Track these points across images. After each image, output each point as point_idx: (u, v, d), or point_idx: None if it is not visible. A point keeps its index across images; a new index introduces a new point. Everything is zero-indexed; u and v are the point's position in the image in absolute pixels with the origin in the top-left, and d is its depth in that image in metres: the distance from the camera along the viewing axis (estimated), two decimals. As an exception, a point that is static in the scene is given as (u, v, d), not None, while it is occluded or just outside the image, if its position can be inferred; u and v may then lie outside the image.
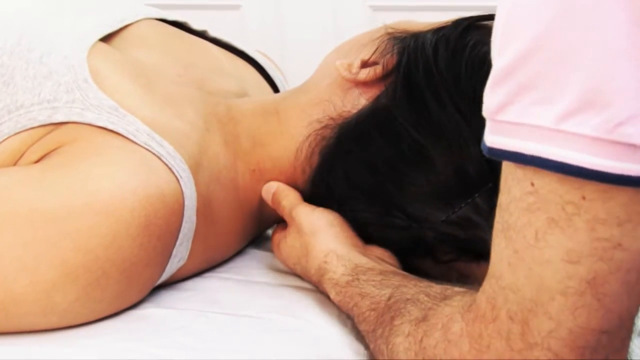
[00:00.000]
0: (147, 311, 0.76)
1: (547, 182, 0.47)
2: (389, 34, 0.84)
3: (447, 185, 0.77)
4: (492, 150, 0.49)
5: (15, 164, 0.78)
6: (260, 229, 0.93)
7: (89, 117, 0.77)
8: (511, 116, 0.48)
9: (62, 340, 0.71)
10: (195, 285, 0.83)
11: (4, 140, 0.78)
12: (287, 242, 0.84)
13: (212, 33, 1.04)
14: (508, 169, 0.50)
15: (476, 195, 0.74)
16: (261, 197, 0.87)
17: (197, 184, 0.79)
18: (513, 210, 0.50)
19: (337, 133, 0.82)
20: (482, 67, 0.75)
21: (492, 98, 0.49)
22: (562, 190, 0.47)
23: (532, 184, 0.48)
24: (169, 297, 0.79)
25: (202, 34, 1.03)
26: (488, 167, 0.73)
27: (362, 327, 0.71)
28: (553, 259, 0.48)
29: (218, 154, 0.84)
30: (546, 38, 0.46)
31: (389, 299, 0.68)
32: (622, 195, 0.46)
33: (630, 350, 0.68)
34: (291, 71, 1.20)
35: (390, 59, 0.82)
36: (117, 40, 0.89)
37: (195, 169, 0.79)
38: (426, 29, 0.83)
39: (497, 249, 0.52)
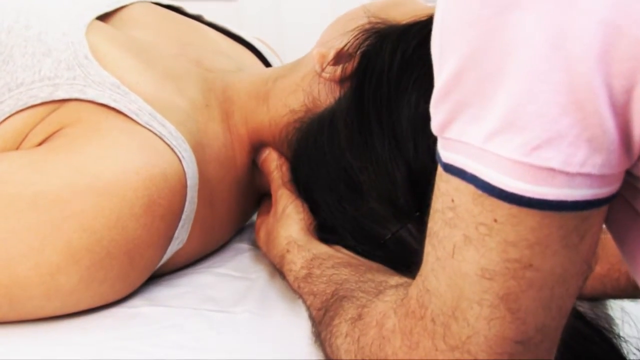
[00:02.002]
0: (141, 309, 0.76)
1: (464, 201, 0.48)
2: (369, 23, 0.82)
3: (378, 211, 0.77)
4: (446, 166, 0.50)
5: (18, 147, 0.78)
6: (254, 208, 0.94)
7: (91, 94, 0.77)
8: (453, 133, 0.48)
9: (55, 338, 0.70)
10: (190, 282, 0.82)
11: (5, 120, 0.78)
12: (265, 227, 0.85)
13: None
14: (437, 179, 0.51)
15: (408, 223, 0.75)
16: (256, 175, 0.88)
17: (198, 163, 0.79)
18: (437, 220, 0.51)
19: (306, 129, 0.82)
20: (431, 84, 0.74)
21: (436, 116, 0.49)
22: (476, 211, 0.48)
23: (453, 200, 0.49)
24: (163, 295, 0.79)
25: (197, 18, 1.03)
26: (417, 195, 0.73)
27: (316, 330, 0.70)
28: (469, 273, 0.49)
29: (217, 132, 0.85)
30: (476, 57, 0.46)
31: (332, 296, 0.68)
32: (530, 219, 0.46)
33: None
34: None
35: (351, 64, 0.80)
36: (113, 20, 0.90)
37: (197, 148, 0.79)
38: (407, 19, 0.80)
39: (425, 252, 0.53)
